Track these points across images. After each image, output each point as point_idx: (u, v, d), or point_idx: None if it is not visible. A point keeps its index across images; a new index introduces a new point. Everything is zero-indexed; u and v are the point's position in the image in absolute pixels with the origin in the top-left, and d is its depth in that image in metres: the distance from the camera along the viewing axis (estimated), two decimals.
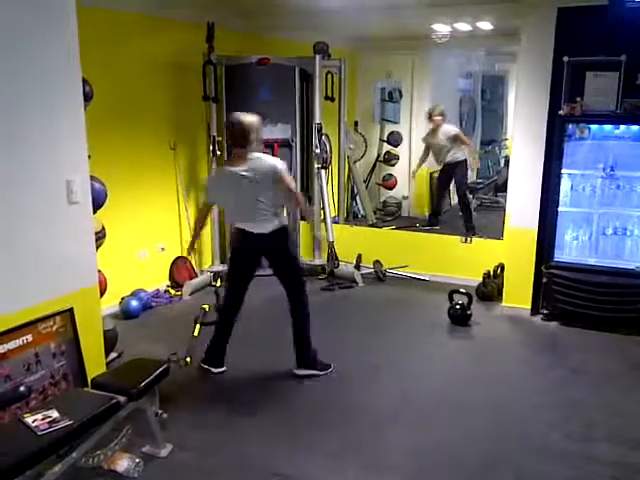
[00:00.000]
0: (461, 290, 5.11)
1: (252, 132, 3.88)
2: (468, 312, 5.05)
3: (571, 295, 4.93)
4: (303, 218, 4.29)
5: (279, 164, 3.93)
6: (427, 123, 7.79)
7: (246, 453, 3.26)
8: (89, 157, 3.41)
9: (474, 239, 6.19)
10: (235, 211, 4.09)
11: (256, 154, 3.92)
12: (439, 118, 7.50)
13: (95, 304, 3.54)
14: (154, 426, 3.18)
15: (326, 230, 6.34)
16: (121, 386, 2.97)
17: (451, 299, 5.07)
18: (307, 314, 4.21)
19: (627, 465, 3.12)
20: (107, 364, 3.84)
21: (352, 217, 8.06)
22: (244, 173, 3.83)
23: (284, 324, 4.65)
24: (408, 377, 4.20)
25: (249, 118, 3.91)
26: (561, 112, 4.76)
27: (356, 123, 8.57)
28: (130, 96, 5.27)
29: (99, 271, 3.82)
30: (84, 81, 3.44)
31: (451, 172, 7.65)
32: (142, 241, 5.62)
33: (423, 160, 7.99)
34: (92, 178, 3.59)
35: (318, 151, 6.25)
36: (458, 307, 5.06)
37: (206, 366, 4.23)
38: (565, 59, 4.70)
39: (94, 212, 3.68)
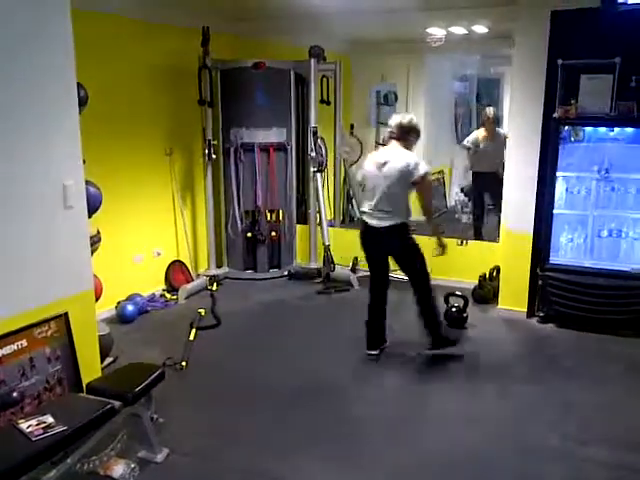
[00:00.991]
0: (457, 293, 5.11)
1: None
2: (464, 315, 5.05)
3: (567, 297, 4.93)
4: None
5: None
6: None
7: (243, 457, 3.25)
8: (84, 161, 3.42)
9: (470, 241, 6.20)
10: None
11: None
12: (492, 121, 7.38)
13: (90, 309, 3.53)
14: (150, 431, 3.17)
15: (322, 233, 6.34)
16: (116, 391, 2.96)
17: (447, 302, 5.07)
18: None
19: (623, 466, 3.13)
20: (102, 369, 3.82)
21: (348, 220, 8.06)
22: None
23: (279, 330, 4.69)
24: (401, 381, 4.19)
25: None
26: (556, 115, 4.78)
27: (352, 126, 8.57)
28: (125, 100, 5.27)
29: (94, 275, 3.80)
30: (79, 85, 3.43)
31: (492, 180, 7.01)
32: (138, 245, 5.62)
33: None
34: (87, 182, 3.59)
35: (314, 154, 6.25)
36: (454, 310, 5.06)
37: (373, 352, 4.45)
38: (559, 62, 4.70)
39: (89, 216, 3.67)
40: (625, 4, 2.41)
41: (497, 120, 7.64)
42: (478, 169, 7.59)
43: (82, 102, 3.72)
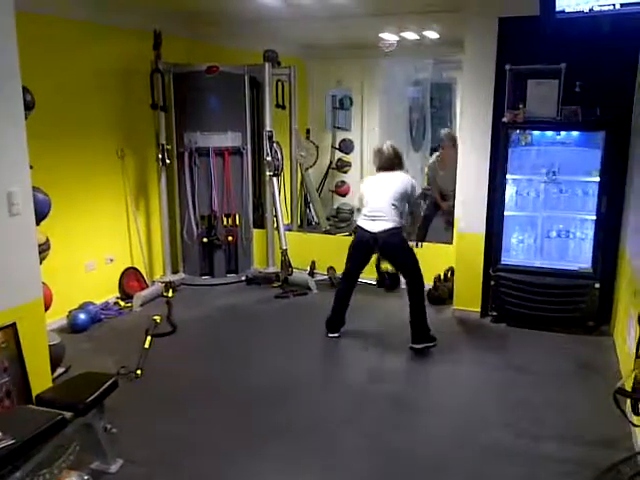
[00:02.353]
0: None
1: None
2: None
3: (518, 297, 5.06)
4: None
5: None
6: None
7: (200, 465, 3.22)
8: (31, 167, 3.32)
9: (425, 244, 6.28)
10: None
11: None
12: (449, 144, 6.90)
13: (40, 318, 3.43)
14: (103, 441, 3.11)
15: (279, 238, 6.33)
16: (67, 401, 2.89)
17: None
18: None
19: (574, 461, 3.21)
20: (53, 380, 3.72)
21: (306, 224, 8.08)
22: None
23: (236, 335, 4.64)
24: (360, 380, 4.22)
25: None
26: (504, 119, 4.89)
27: (308, 131, 8.61)
28: (75, 104, 5.17)
29: (44, 284, 3.71)
30: (24, 89, 3.34)
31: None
32: (89, 252, 5.50)
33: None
34: (34, 189, 3.49)
35: (269, 159, 6.25)
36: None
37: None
38: (507, 67, 4.83)
39: (37, 224, 3.58)
40: (563, 12, 2.49)
41: (454, 141, 6.72)
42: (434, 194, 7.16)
43: (28, 107, 3.63)
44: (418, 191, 4.67)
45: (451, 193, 6.75)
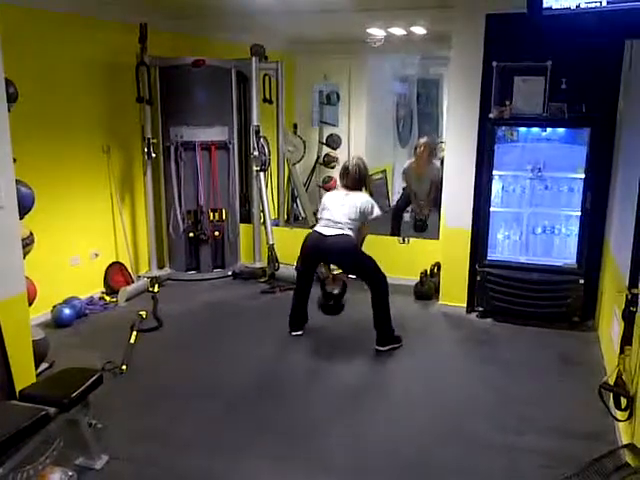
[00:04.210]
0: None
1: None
2: (341, 302, 5.06)
3: (504, 292, 5.10)
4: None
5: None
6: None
7: (185, 462, 3.20)
8: (14, 160, 3.29)
9: (412, 239, 6.30)
10: None
11: None
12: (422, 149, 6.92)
13: (23, 313, 3.41)
14: (88, 437, 3.08)
15: (266, 233, 6.32)
16: (51, 397, 2.86)
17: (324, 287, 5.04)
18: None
19: (557, 454, 3.24)
20: (37, 375, 3.70)
21: (293, 219, 8.06)
22: None
23: (222, 330, 4.60)
24: (346, 376, 4.23)
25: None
26: (491, 115, 4.92)
27: (295, 126, 8.59)
28: (59, 97, 5.11)
29: (27, 278, 3.67)
30: (8, 82, 3.30)
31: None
32: (74, 247, 5.44)
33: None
34: (18, 182, 3.46)
35: (256, 153, 6.23)
36: (331, 294, 5.01)
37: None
38: (494, 64, 4.85)
39: (21, 217, 3.55)
40: (550, 9, 2.50)
41: (432, 151, 6.96)
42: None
43: (11, 99, 3.59)
44: (377, 213, 4.61)
45: (422, 203, 7.00)
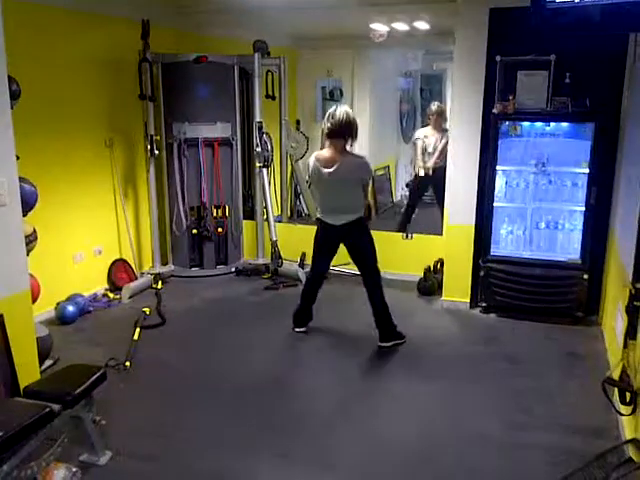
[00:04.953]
0: None
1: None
2: None
3: (507, 287, 5.08)
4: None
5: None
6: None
7: (189, 458, 3.21)
8: (18, 158, 3.29)
9: (415, 235, 6.29)
10: None
11: None
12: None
13: (27, 310, 3.41)
14: (92, 433, 3.10)
15: (269, 229, 6.31)
16: (55, 394, 2.87)
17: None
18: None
19: (563, 450, 3.23)
20: (41, 372, 3.71)
21: (296, 216, 8.06)
22: None
23: (225, 327, 4.60)
24: (350, 373, 4.23)
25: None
26: (495, 110, 4.89)
27: (298, 122, 8.55)
28: (62, 94, 5.11)
29: (31, 276, 3.68)
30: (11, 79, 3.31)
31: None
32: (78, 244, 5.45)
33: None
34: (21, 179, 3.47)
35: (259, 150, 6.22)
36: None
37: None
38: (498, 58, 4.83)
39: (24, 215, 3.55)
40: (553, 2, 2.49)
41: (442, 113, 7.12)
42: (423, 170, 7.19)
43: (14, 96, 3.59)
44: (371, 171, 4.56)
45: (432, 155, 7.03)
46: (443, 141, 6.79)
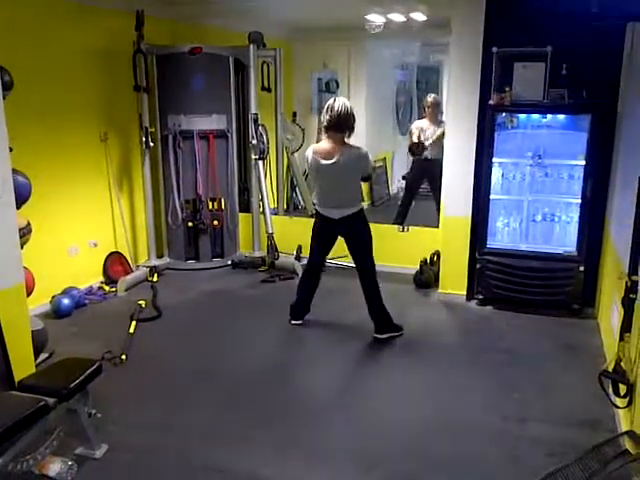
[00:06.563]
0: None
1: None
2: None
3: (504, 280, 5.08)
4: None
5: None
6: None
7: (185, 451, 3.21)
8: (10, 150, 3.26)
9: (411, 227, 6.28)
10: None
11: None
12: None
13: (21, 303, 3.39)
14: (87, 427, 3.09)
15: (265, 222, 6.29)
16: (50, 387, 2.86)
17: None
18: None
19: (561, 442, 3.23)
20: (37, 365, 3.69)
21: (292, 208, 8.04)
22: None
23: (222, 319, 4.58)
24: (346, 364, 4.23)
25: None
26: (491, 102, 4.88)
27: (294, 114, 8.51)
28: (56, 85, 5.07)
29: (26, 269, 3.66)
30: (2, 69, 3.27)
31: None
32: (72, 236, 5.42)
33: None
34: (15, 171, 3.44)
35: (255, 142, 6.19)
36: None
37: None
38: (494, 50, 4.80)
39: (18, 207, 3.52)
40: None
41: (439, 106, 7.19)
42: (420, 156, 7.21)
43: (7, 87, 3.56)
44: (371, 162, 4.55)
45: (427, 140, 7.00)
46: (440, 130, 6.76)
